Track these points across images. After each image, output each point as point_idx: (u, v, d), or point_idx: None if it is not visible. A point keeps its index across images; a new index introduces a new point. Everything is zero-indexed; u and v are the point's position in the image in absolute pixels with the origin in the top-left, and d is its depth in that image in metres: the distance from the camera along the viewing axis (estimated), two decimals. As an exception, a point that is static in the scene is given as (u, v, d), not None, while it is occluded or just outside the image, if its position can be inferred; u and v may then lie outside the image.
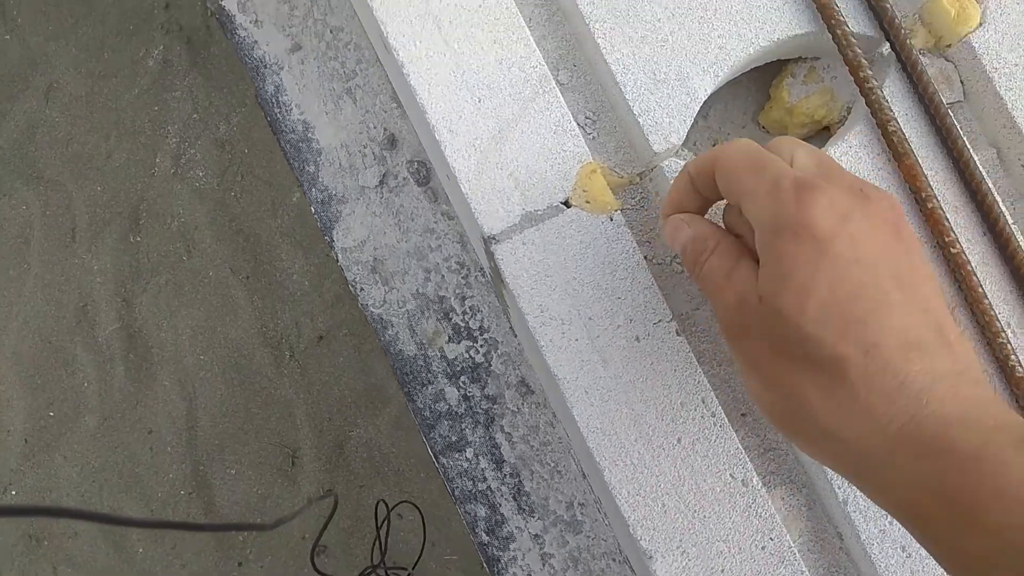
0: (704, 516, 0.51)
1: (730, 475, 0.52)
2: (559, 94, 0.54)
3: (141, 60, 1.59)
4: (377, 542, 0.66)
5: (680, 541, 0.51)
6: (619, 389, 0.53)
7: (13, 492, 1.59)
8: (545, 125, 0.54)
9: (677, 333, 0.53)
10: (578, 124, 0.57)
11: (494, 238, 0.54)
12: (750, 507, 0.51)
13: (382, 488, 1.54)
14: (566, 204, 0.54)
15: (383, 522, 0.64)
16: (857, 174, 0.54)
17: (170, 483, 1.57)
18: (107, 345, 1.60)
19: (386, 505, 0.65)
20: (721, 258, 0.43)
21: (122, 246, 1.60)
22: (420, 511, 0.59)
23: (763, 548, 0.51)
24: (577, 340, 0.53)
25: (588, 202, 0.54)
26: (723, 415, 0.52)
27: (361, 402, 1.54)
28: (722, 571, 0.51)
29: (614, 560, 0.65)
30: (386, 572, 0.69)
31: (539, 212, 0.54)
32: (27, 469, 1.61)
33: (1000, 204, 0.53)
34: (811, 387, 0.38)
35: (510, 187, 0.54)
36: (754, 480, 0.52)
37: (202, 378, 1.57)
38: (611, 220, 0.53)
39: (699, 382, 0.52)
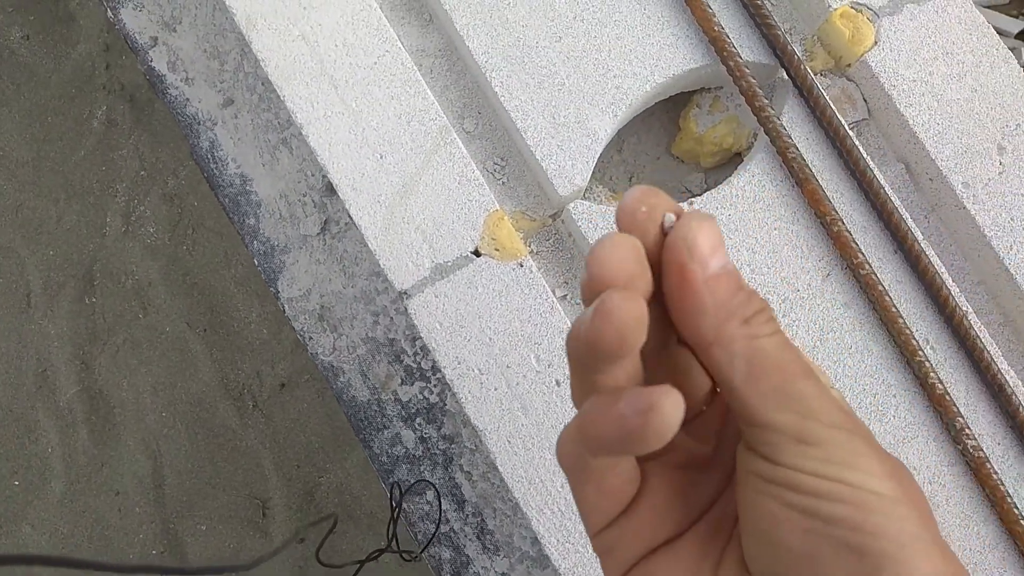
0: (635, 559, 0.51)
1: (658, 515, 0.51)
2: (460, 144, 0.54)
3: (86, 121, 1.59)
4: (392, 524, 0.66)
5: (612, 586, 0.51)
6: (542, 435, 0.52)
7: (-18, 565, 1.56)
8: (449, 176, 0.54)
9: (596, 374, 0.53)
10: (488, 170, 0.57)
11: (406, 293, 0.53)
12: (680, 546, 0.51)
13: (355, 533, 1.53)
14: (476, 253, 0.54)
15: (398, 505, 0.64)
16: (762, 202, 0.54)
17: (141, 544, 1.55)
18: (69, 409, 1.59)
19: (399, 488, 0.65)
20: None
21: (78, 308, 1.59)
22: (436, 489, 0.59)
23: (696, 586, 0.51)
24: (496, 389, 0.53)
25: (497, 250, 0.53)
26: (648, 454, 0.52)
27: (328, 447, 1.53)
28: (656, 613, 0.50)
29: (582, 594, 0.64)
30: (400, 554, 0.69)
31: (449, 263, 0.53)
32: (-5, 541, 1.59)
33: (908, 221, 0.53)
34: None
35: (418, 240, 0.54)
36: (683, 518, 0.51)
37: (166, 435, 1.56)
38: (521, 266, 0.53)
39: (621, 422, 0.52)
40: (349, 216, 0.54)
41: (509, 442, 0.52)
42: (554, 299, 0.53)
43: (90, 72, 1.61)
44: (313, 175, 0.71)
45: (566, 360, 0.54)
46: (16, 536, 1.56)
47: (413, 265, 0.54)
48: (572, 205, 0.54)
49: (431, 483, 0.66)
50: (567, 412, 0.52)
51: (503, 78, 0.54)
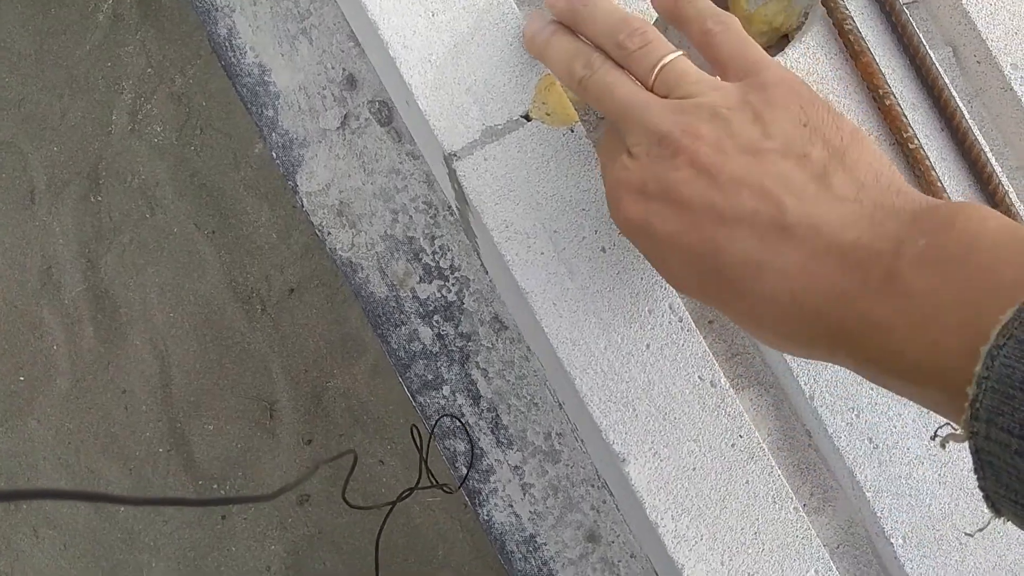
0: (674, 418, 0.52)
1: (699, 377, 0.52)
2: (514, 4, 0.54)
3: (91, 15, 1.55)
4: (422, 463, 0.67)
5: (652, 443, 0.52)
6: (587, 299, 0.53)
7: (-12, 459, 1.59)
8: (501, 37, 0.53)
9: (642, 242, 0.53)
10: (536, 38, 0.57)
11: (455, 155, 0.53)
12: (719, 407, 0.52)
13: (362, 437, 1.56)
14: (526, 117, 0.53)
15: (428, 439, 0.66)
16: (816, 75, 0.54)
17: (147, 442, 1.57)
18: (74, 307, 1.59)
19: (417, 428, 0.67)
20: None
21: (83, 206, 1.57)
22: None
23: (733, 446, 0.52)
24: (543, 253, 0.53)
25: (548, 114, 0.53)
26: (690, 320, 0.53)
27: (337, 352, 1.55)
28: (693, 469, 0.52)
29: (593, 486, 0.66)
30: (441, 488, 0.70)
31: (499, 127, 0.53)
32: (1, 435, 1.60)
33: (956, 99, 0.54)
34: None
35: (468, 102, 0.53)
36: (722, 381, 0.52)
37: (173, 336, 1.57)
38: (572, 132, 0.53)
39: (665, 288, 0.53)
40: (399, 75, 0.53)
41: (555, 304, 0.53)
42: (603, 166, 0.53)
43: (94, -39, 1.57)
44: (333, 68, 0.70)
45: (613, 226, 0.54)
46: (22, 431, 1.58)
47: (463, 127, 0.53)
48: (625, 71, 0.54)
49: (457, 418, 0.67)
50: (613, 277, 0.53)
51: (560, -62, 0.53)
